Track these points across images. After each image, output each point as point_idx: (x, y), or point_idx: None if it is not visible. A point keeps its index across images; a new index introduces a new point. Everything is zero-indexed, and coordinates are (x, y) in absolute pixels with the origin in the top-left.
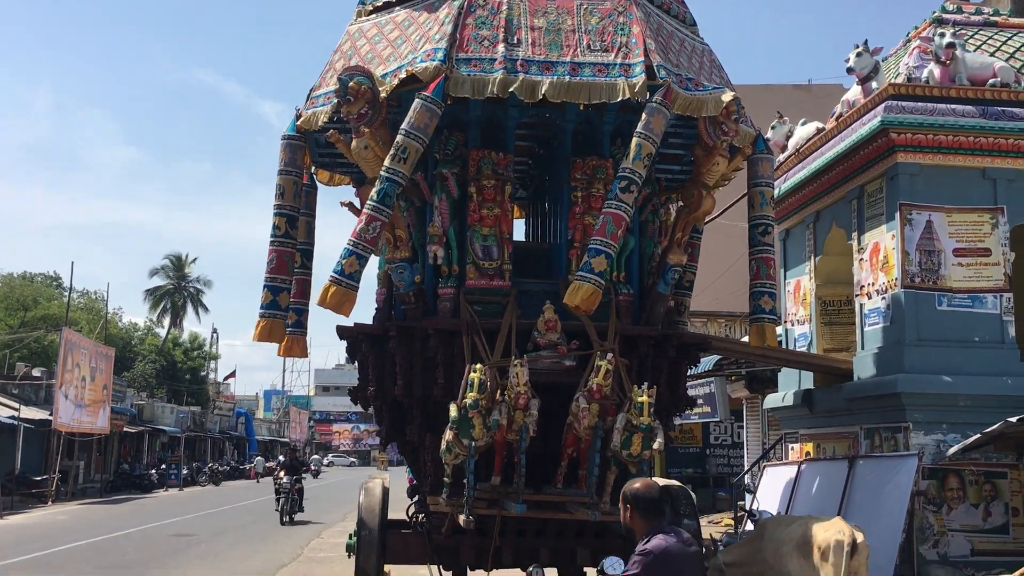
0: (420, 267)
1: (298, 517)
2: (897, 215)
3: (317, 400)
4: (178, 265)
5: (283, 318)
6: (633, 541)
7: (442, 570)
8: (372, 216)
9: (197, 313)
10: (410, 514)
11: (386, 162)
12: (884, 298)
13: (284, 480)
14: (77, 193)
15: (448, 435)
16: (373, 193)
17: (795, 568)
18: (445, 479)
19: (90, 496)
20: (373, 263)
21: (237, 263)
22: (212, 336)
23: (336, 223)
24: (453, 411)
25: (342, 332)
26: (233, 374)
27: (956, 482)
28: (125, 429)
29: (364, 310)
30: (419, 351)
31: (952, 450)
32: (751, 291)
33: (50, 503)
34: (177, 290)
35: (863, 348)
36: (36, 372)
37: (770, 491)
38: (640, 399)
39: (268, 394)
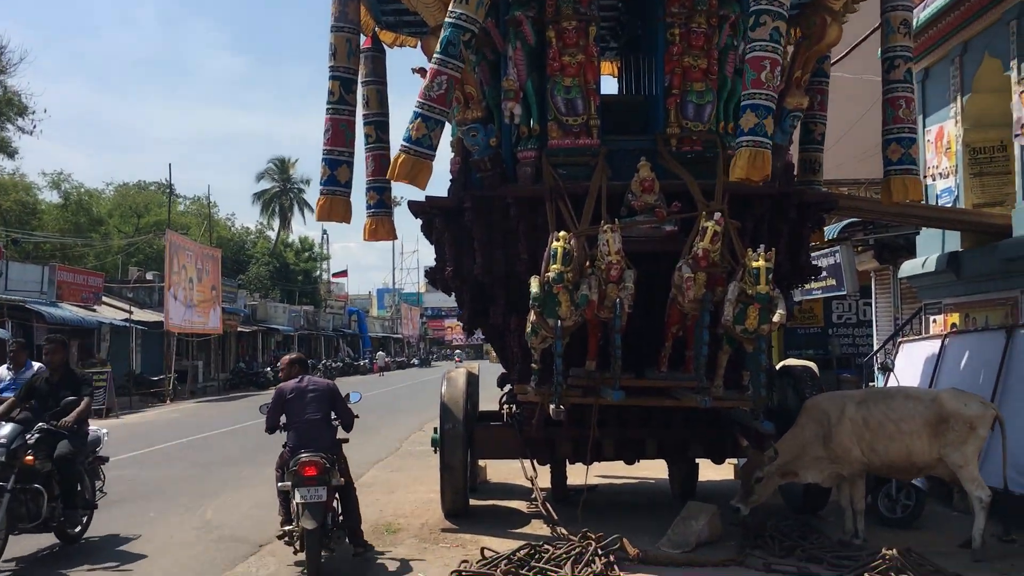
0: (496, 128)
1: (400, 407)
2: None
3: (428, 296)
4: (282, 168)
5: (344, 194)
6: (754, 430)
7: (536, 464)
8: (438, 70)
9: (303, 214)
10: (501, 405)
11: (450, 6)
12: None
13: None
14: (188, 103)
15: (532, 315)
16: (437, 45)
17: (919, 444)
18: (533, 365)
19: (210, 394)
20: (449, 131)
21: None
22: (322, 237)
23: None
24: (535, 286)
25: (414, 207)
26: (344, 272)
27: None
28: (239, 329)
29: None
30: (499, 223)
31: None
32: (883, 141)
33: (168, 402)
34: (283, 192)
35: (1023, 200)
36: (149, 276)
37: (908, 369)
38: (755, 264)
39: (381, 292)
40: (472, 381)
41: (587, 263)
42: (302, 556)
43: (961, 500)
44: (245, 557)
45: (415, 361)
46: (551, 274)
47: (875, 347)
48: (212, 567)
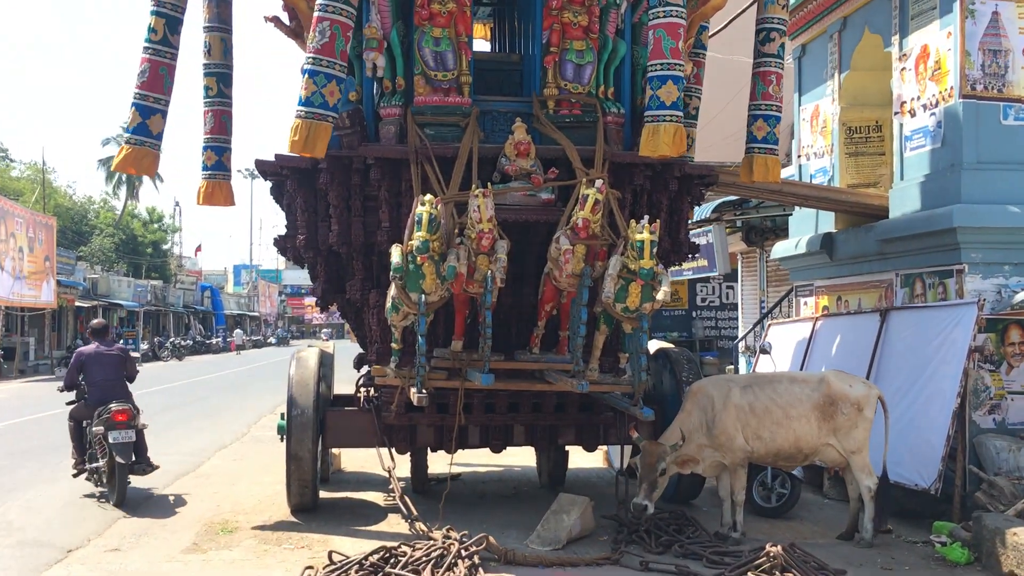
0: (356, 82)
1: (254, 388)
2: (956, 6)
3: (288, 274)
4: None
5: (154, 146)
6: (623, 414)
7: (394, 454)
8: (320, 17)
9: (154, 183)
10: (357, 388)
11: None
12: (933, 113)
13: None
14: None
15: (393, 289)
16: None
17: (807, 429)
18: (393, 345)
19: (42, 373)
20: None
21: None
22: (174, 208)
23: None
24: (396, 256)
25: (262, 167)
26: (200, 248)
27: (1020, 335)
28: (78, 304)
29: None
30: (358, 187)
31: (1019, 297)
32: (748, 116)
33: None
34: None
35: (902, 178)
36: None
37: (778, 352)
38: (640, 237)
39: (238, 269)
40: (326, 361)
41: (456, 232)
42: (114, 564)
43: (832, 487)
44: (50, 565)
45: (272, 340)
46: (415, 242)
47: (740, 330)
48: None
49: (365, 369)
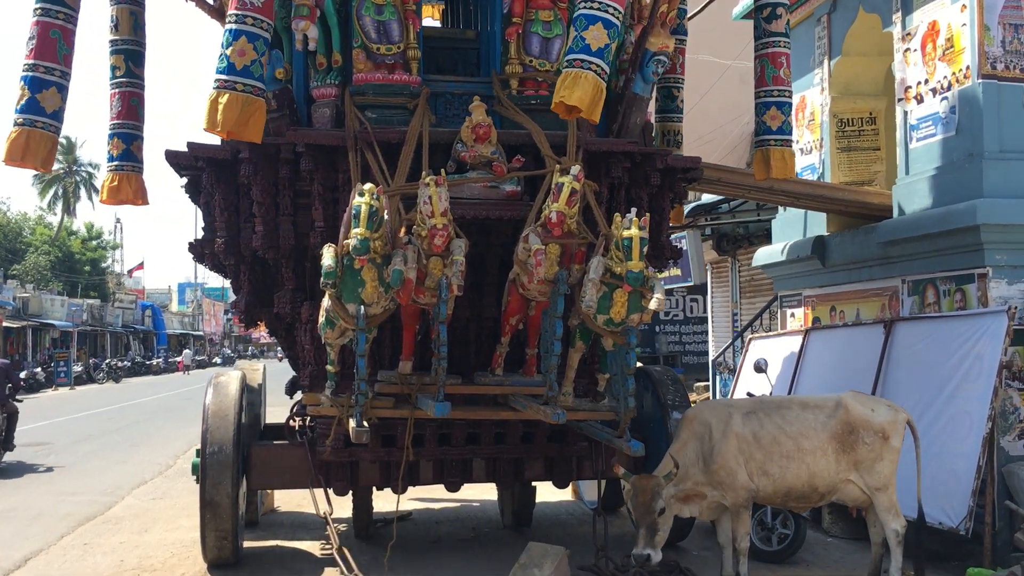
0: (284, 57)
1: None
2: None
3: None
4: (68, 149)
5: (49, 128)
6: (599, 443)
7: (330, 496)
8: None
9: (91, 199)
10: (290, 419)
11: None
12: (945, 98)
13: None
14: None
15: (327, 300)
16: None
17: (823, 464)
18: (329, 368)
19: None
20: None
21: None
22: (115, 225)
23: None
24: (328, 258)
25: (174, 159)
26: (141, 265)
27: None
28: (6, 324)
29: None
30: (286, 180)
31: None
32: (757, 104)
33: None
34: (68, 174)
35: (908, 173)
36: None
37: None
38: (627, 234)
39: (182, 287)
40: (252, 387)
41: (403, 230)
42: None
43: (835, 522)
44: None
45: (217, 360)
46: (352, 241)
47: (711, 345)
48: None
49: (300, 395)
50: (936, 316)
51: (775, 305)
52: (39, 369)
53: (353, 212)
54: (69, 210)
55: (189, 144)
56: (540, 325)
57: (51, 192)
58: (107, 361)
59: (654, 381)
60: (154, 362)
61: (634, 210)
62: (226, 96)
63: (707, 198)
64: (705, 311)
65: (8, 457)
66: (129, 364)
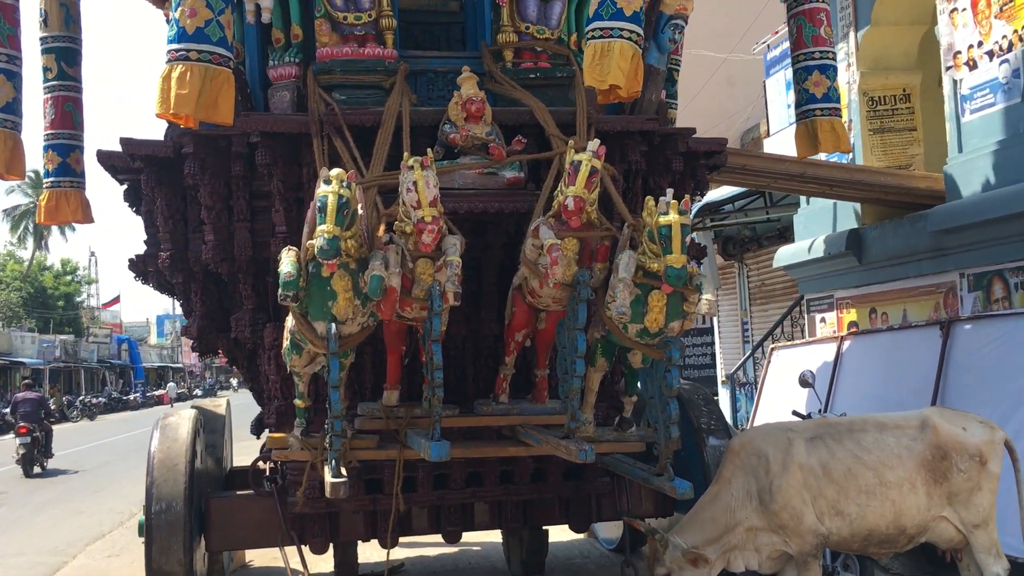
0: (237, 32)
1: None
2: None
3: None
4: (38, 181)
5: (5, 124)
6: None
7: (303, 553)
8: None
9: (63, 234)
10: (255, 463)
11: None
12: (1006, 60)
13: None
14: None
15: (290, 319)
16: None
17: (913, 499)
18: (298, 402)
19: None
20: None
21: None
22: (90, 259)
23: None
24: (288, 264)
25: (107, 160)
26: (117, 299)
27: None
28: None
29: None
30: (241, 178)
31: None
32: (796, 69)
33: None
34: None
35: (961, 151)
36: None
37: (786, 382)
38: (664, 220)
39: (160, 319)
40: (210, 427)
41: (382, 229)
42: None
43: (894, 559)
44: None
45: (198, 392)
46: (318, 241)
47: (718, 356)
48: None
49: (264, 436)
50: (1007, 313)
51: (798, 310)
52: (8, 410)
53: (318, 205)
54: (41, 245)
55: (123, 141)
56: (552, 340)
57: (21, 227)
58: (81, 398)
59: (683, 401)
60: (131, 397)
61: (670, 191)
62: (179, 68)
63: (711, 196)
64: (709, 321)
65: None
66: (105, 400)
